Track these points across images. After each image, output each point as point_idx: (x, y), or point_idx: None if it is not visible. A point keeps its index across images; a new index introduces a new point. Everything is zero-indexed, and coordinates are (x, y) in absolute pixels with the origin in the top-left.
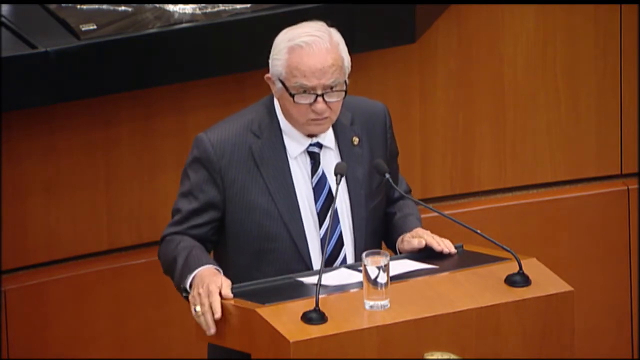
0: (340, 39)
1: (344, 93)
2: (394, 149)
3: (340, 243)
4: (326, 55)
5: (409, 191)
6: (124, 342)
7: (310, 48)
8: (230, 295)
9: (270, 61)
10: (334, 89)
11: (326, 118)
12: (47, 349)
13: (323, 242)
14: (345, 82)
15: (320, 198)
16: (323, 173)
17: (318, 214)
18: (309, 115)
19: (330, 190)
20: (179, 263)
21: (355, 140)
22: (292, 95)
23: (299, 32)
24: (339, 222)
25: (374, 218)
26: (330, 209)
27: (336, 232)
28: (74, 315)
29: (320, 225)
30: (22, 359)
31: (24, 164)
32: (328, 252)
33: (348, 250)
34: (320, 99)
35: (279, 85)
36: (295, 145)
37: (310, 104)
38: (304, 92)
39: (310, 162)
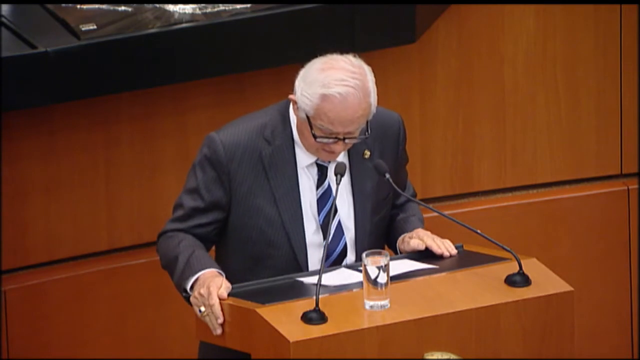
0: (372, 81)
1: (363, 137)
2: (404, 158)
3: (343, 254)
4: (357, 108)
5: (414, 195)
6: (124, 342)
7: (344, 100)
8: (225, 296)
9: (298, 89)
10: (354, 134)
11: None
12: (47, 349)
13: (324, 251)
14: (367, 122)
15: (324, 210)
16: (329, 186)
17: (321, 226)
18: (324, 148)
19: (334, 202)
20: (180, 262)
21: (367, 153)
22: (315, 136)
23: (334, 78)
24: (343, 234)
25: (377, 229)
26: (334, 221)
27: (341, 243)
28: (74, 315)
29: (324, 237)
30: (22, 359)
31: (24, 164)
32: (330, 262)
33: (350, 261)
34: (340, 142)
35: (303, 116)
36: (305, 156)
37: (329, 144)
38: (327, 135)
39: (318, 173)
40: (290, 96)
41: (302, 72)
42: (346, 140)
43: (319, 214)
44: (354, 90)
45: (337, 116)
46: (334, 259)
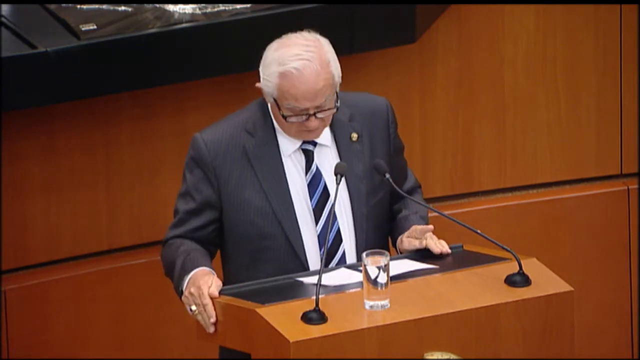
0: (331, 51)
1: (335, 109)
2: (398, 144)
3: (338, 240)
4: (317, 79)
5: (417, 186)
6: (124, 342)
7: (301, 74)
8: (216, 294)
9: (261, 74)
10: (325, 106)
11: (318, 128)
12: (47, 349)
13: (320, 239)
14: (336, 93)
15: (315, 195)
16: (317, 170)
17: (313, 211)
18: (301, 129)
19: (325, 186)
20: (177, 266)
21: (354, 136)
22: (284, 117)
23: (289, 55)
24: (336, 219)
25: (376, 214)
26: (327, 206)
27: (334, 229)
28: (74, 315)
29: (317, 223)
30: (22, 359)
31: (24, 164)
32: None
33: (347, 246)
34: (312, 117)
35: (271, 100)
36: (288, 143)
37: (303, 122)
38: (296, 113)
39: (304, 159)
40: (257, 84)
41: (262, 58)
42: (317, 115)
43: (310, 200)
44: (310, 63)
45: (299, 91)
46: (329, 245)
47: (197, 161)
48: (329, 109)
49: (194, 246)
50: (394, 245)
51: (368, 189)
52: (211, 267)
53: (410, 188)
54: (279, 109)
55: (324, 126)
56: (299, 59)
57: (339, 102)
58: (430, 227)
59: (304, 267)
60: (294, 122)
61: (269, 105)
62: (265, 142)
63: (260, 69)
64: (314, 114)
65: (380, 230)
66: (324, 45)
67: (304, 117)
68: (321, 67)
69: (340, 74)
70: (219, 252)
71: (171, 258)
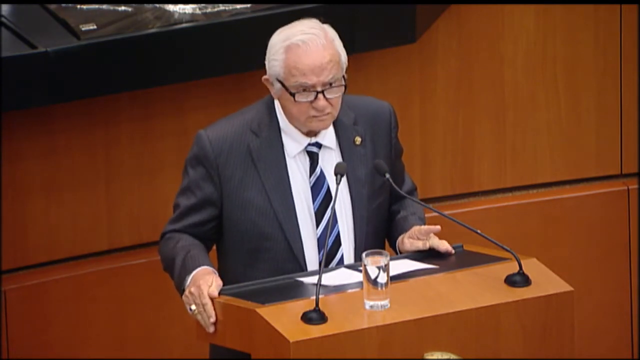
0: (335, 34)
1: (343, 88)
2: (398, 148)
3: (337, 243)
4: (323, 52)
5: (414, 189)
6: (124, 342)
7: (306, 46)
8: (216, 294)
9: (267, 62)
10: (333, 85)
11: (328, 114)
12: (47, 349)
13: (320, 242)
14: (343, 77)
15: (318, 198)
16: (321, 173)
17: (315, 214)
18: (310, 113)
19: (328, 190)
20: (177, 264)
21: (358, 140)
22: (293, 95)
23: (293, 31)
24: (337, 222)
25: (376, 218)
26: (328, 210)
27: (334, 232)
28: (74, 315)
29: (318, 225)
30: (22, 359)
31: (24, 164)
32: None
33: (346, 250)
34: (320, 95)
35: (278, 85)
36: (293, 144)
37: (311, 102)
38: (304, 90)
39: (309, 161)
40: (263, 77)
41: (268, 47)
42: (325, 93)
43: (313, 202)
44: (315, 37)
45: (306, 64)
46: (328, 248)
47: (200, 158)
48: (336, 87)
49: (192, 241)
50: (392, 245)
51: (369, 192)
52: (212, 266)
53: (408, 191)
54: (287, 89)
55: (332, 113)
56: (304, 33)
57: (346, 83)
58: (436, 227)
59: (301, 269)
60: (303, 101)
61: (275, 96)
62: (270, 142)
63: (266, 56)
64: (322, 92)
65: (379, 234)
66: (328, 28)
67: (312, 96)
68: (326, 42)
69: (346, 57)
70: (214, 247)
71: (171, 254)
